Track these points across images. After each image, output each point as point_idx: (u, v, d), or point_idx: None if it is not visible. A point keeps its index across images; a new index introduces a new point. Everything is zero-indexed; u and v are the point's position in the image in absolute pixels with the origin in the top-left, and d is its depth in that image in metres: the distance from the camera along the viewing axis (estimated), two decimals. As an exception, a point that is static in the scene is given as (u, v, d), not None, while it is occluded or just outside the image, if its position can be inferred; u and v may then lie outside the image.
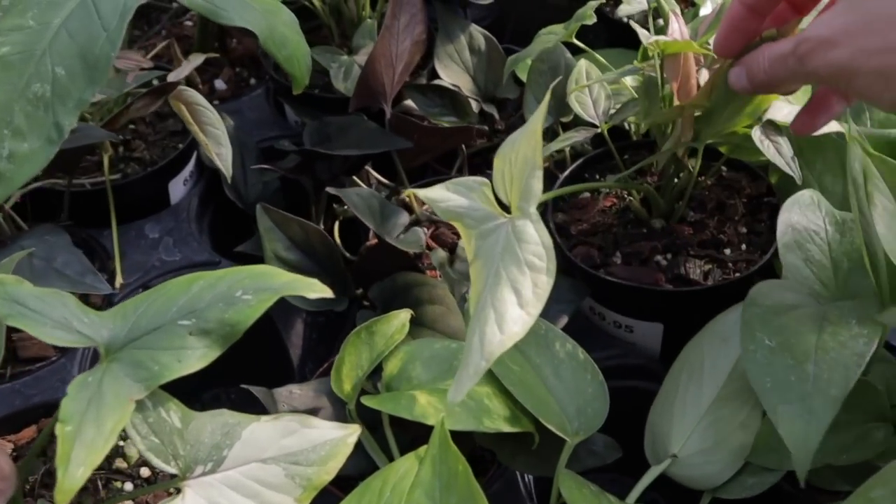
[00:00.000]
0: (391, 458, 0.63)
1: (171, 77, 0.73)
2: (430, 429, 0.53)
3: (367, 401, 0.60)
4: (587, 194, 0.80)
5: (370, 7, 0.96)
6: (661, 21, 0.79)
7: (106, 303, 0.81)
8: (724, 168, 0.81)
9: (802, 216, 0.68)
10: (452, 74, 0.91)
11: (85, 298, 0.80)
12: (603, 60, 0.77)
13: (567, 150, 0.91)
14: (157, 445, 0.49)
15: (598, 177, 0.84)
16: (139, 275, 0.85)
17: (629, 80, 0.79)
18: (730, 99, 0.60)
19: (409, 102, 0.90)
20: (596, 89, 0.78)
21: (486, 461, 0.71)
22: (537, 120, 0.45)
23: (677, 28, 0.62)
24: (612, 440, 0.66)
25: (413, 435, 0.64)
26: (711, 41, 0.61)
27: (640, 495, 0.63)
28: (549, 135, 0.88)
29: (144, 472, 0.66)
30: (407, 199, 0.83)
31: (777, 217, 0.75)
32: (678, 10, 0.67)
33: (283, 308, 0.82)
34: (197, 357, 0.49)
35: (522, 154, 0.46)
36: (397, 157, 0.81)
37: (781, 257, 0.66)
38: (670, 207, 0.76)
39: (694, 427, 0.64)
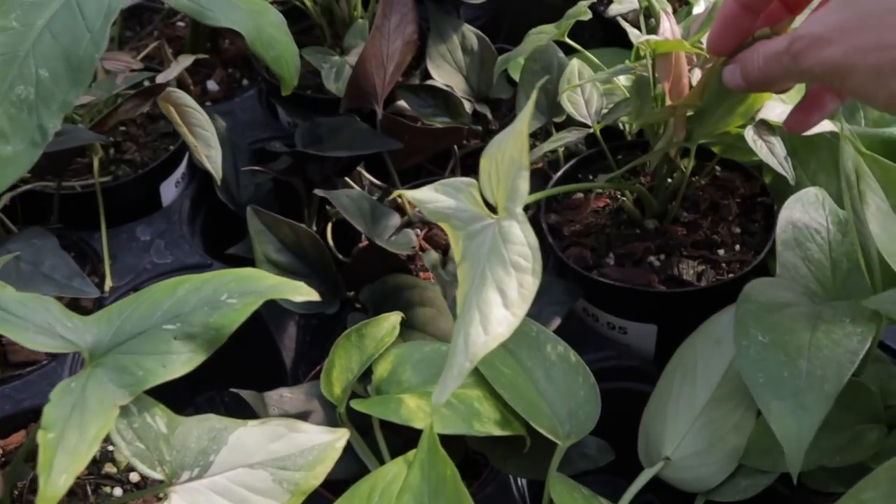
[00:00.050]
0: (382, 462, 0.62)
1: (160, 78, 0.73)
2: (422, 432, 0.52)
3: (357, 405, 0.59)
4: (580, 195, 0.80)
5: (362, 7, 0.95)
6: (654, 20, 0.78)
7: (97, 306, 0.81)
8: (717, 168, 0.81)
9: (805, 214, 0.67)
10: (445, 74, 0.90)
11: (76, 302, 0.80)
12: (595, 60, 0.77)
13: (560, 150, 0.91)
14: (142, 451, 0.49)
15: (591, 177, 0.83)
16: (130, 277, 0.84)
17: (623, 80, 0.79)
18: (722, 98, 0.60)
19: (402, 103, 0.90)
20: (588, 89, 0.77)
21: (480, 464, 0.71)
22: (523, 120, 0.45)
23: (668, 27, 0.61)
24: (604, 443, 0.66)
25: (405, 438, 0.63)
26: (704, 39, 0.60)
27: (636, 497, 0.62)
28: (543, 135, 0.88)
29: (134, 476, 0.66)
30: (399, 201, 0.83)
31: (771, 217, 0.74)
32: (669, 9, 0.66)
33: (276, 311, 0.82)
34: (182, 362, 0.48)
35: (509, 154, 0.46)
36: (389, 158, 0.81)
37: (779, 255, 0.66)
38: (663, 208, 0.76)
39: (687, 429, 0.64)
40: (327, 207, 0.88)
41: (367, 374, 0.64)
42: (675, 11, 0.93)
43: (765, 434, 0.60)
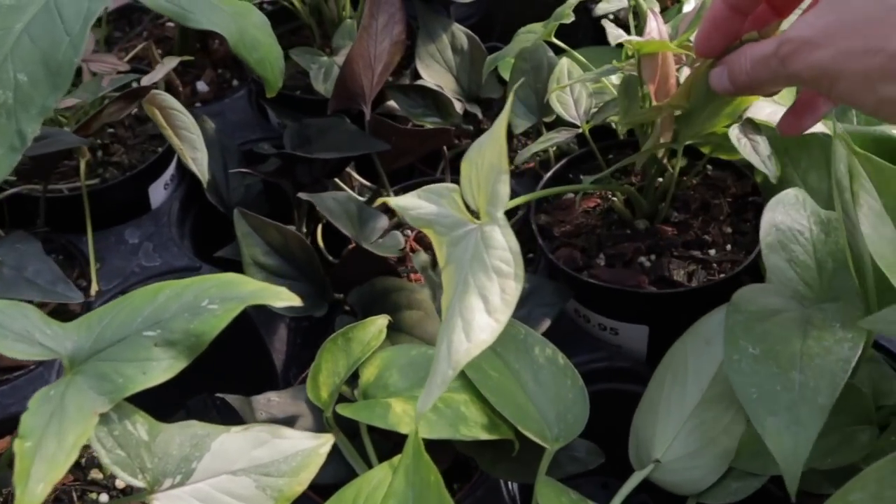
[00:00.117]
0: (370, 466, 0.62)
1: (145, 81, 0.72)
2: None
3: (342, 409, 0.59)
4: (571, 195, 0.79)
5: (351, 7, 0.95)
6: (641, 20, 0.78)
7: (85, 310, 0.80)
8: (709, 167, 0.80)
9: (787, 216, 0.67)
10: (434, 74, 0.90)
11: (64, 306, 0.79)
12: (583, 59, 0.76)
13: (552, 149, 0.90)
14: (123, 459, 0.48)
15: (582, 176, 0.83)
16: (118, 281, 0.84)
17: (614, 79, 0.78)
18: (709, 99, 0.59)
19: (392, 103, 0.89)
20: (577, 89, 0.77)
21: (470, 467, 0.70)
22: (501, 125, 0.44)
23: (655, 27, 0.60)
24: (594, 445, 0.65)
25: (395, 441, 0.63)
26: (693, 38, 0.60)
27: (630, 498, 0.62)
28: (535, 134, 0.87)
29: (120, 483, 0.65)
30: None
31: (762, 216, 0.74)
32: (657, 8, 0.66)
33: (266, 313, 0.81)
34: (162, 369, 0.48)
35: (488, 159, 0.45)
36: (378, 159, 0.80)
37: (765, 258, 0.65)
38: (654, 208, 0.75)
39: (677, 431, 0.63)
40: (318, 208, 0.87)
41: (355, 377, 0.64)
42: (666, 9, 0.93)
43: (755, 437, 0.60)
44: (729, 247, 0.74)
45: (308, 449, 0.53)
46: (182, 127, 0.72)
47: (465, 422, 0.58)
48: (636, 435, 0.66)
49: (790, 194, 0.68)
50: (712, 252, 0.74)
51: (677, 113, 0.63)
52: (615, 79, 0.78)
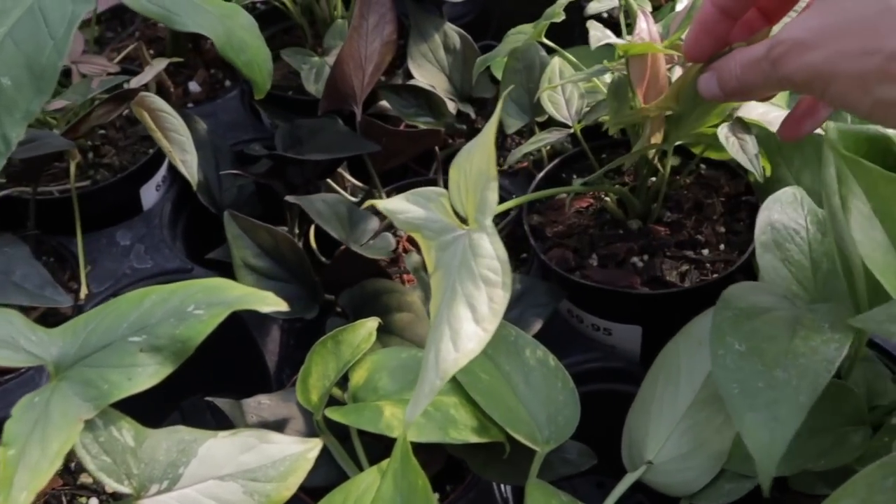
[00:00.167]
0: (361, 469, 0.62)
1: (133, 83, 0.72)
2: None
3: (332, 413, 0.59)
4: (563, 195, 0.79)
5: (343, 7, 0.94)
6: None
7: (77, 313, 0.80)
8: (702, 166, 0.80)
9: (783, 214, 0.66)
10: (427, 74, 0.89)
11: (56, 310, 0.79)
12: (573, 59, 0.76)
13: (545, 148, 0.90)
14: (108, 465, 0.48)
15: (575, 176, 0.83)
16: (110, 283, 0.84)
17: (607, 78, 0.78)
18: (699, 102, 0.59)
19: (385, 103, 0.89)
20: (569, 88, 0.76)
21: (464, 468, 0.70)
22: (489, 132, 0.44)
23: (645, 28, 0.60)
24: (586, 447, 0.65)
25: (386, 444, 0.63)
26: (684, 36, 0.59)
27: (627, 498, 0.62)
28: (528, 133, 0.87)
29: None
30: (381, 203, 0.82)
31: (756, 215, 0.73)
32: (648, 8, 0.65)
33: (259, 315, 0.81)
34: (148, 374, 0.47)
35: (476, 166, 0.45)
36: (369, 160, 0.80)
37: (759, 257, 0.65)
38: (646, 208, 0.75)
39: (670, 432, 0.63)
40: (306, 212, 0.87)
41: (346, 379, 0.64)
42: (659, 7, 0.93)
43: (747, 438, 0.60)
44: (722, 246, 0.74)
45: (296, 454, 0.52)
46: (171, 129, 0.72)
47: (454, 425, 0.58)
48: (629, 436, 0.65)
49: (788, 192, 0.67)
50: (705, 252, 0.74)
51: (668, 113, 0.62)
52: (608, 78, 0.77)
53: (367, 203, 0.52)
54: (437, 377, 0.43)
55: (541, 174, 0.80)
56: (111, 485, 0.48)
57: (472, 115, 0.93)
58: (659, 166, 0.71)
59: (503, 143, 0.96)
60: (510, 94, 0.83)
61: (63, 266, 0.84)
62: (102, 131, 0.90)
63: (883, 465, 0.49)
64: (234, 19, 0.61)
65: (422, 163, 0.94)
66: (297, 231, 0.84)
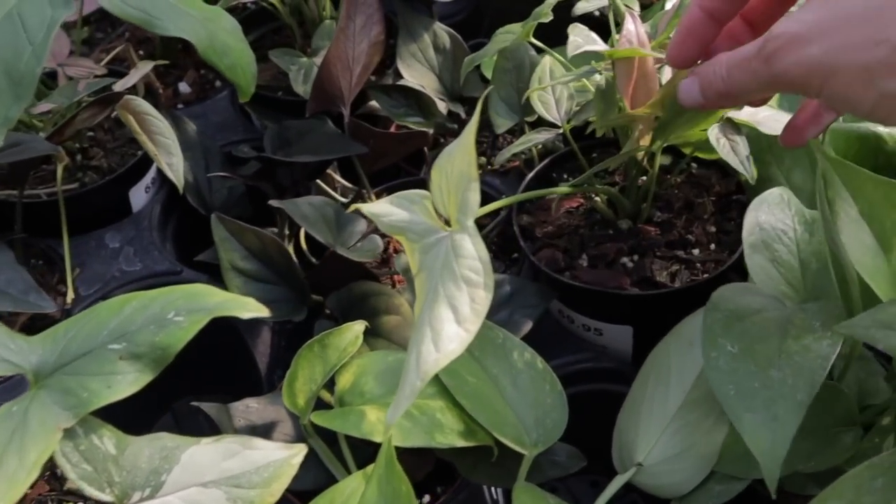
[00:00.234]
0: (349, 472, 0.61)
1: (119, 86, 0.71)
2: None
3: (317, 418, 0.58)
4: (553, 195, 0.79)
5: (332, 7, 0.94)
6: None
7: (65, 316, 0.80)
8: (693, 165, 0.79)
9: (771, 215, 0.66)
10: (416, 74, 0.89)
11: (44, 314, 0.78)
12: (563, 59, 0.75)
13: (536, 147, 0.89)
14: (89, 473, 0.48)
15: (566, 175, 0.82)
16: (99, 286, 0.83)
17: (598, 77, 0.77)
18: (685, 108, 0.58)
19: (374, 103, 0.88)
20: (559, 88, 0.76)
21: (454, 470, 0.70)
22: (469, 134, 0.43)
23: (633, 30, 0.59)
24: (575, 449, 0.65)
25: (375, 447, 0.62)
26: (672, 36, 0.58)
27: (620, 498, 0.61)
28: (519, 132, 0.86)
29: (97, 492, 0.65)
30: (371, 204, 0.81)
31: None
32: (637, 9, 0.65)
33: (249, 317, 0.81)
34: (128, 382, 0.47)
35: (458, 167, 0.45)
36: (358, 161, 0.79)
37: (747, 258, 0.64)
38: (636, 208, 0.75)
39: (660, 434, 0.62)
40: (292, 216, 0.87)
41: (333, 382, 0.63)
42: (650, 5, 0.92)
43: (738, 439, 0.59)
44: (713, 246, 0.74)
45: (280, 459, 0.52)
46: (157, 132, 0.71)
47: (440, 429, 0.58)
48: (619, 437, 0.65)
49: (775, 193, 0.67)
50: (696, 252, 0.73)
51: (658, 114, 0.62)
52: (598, 77, 0.77)
53: (352, 207, 0.52)
54: (418, 378, 0.42)
55: (531, 174, 0.80)
56: (92, 493, 0.48)
57: (463, 115, 0.92)
58: (648, 167, 0.71)
59: (495, 143, 0.95)
60: (500, 94, 0.82)
61: (52, 269, 0.84)
62: (91, 133, 0.89)
63: (871, 466, 0.49)
64: (217, 22, 0.60)
65: (413, 162, 0.93)
66: (287, 232, 0.83)
